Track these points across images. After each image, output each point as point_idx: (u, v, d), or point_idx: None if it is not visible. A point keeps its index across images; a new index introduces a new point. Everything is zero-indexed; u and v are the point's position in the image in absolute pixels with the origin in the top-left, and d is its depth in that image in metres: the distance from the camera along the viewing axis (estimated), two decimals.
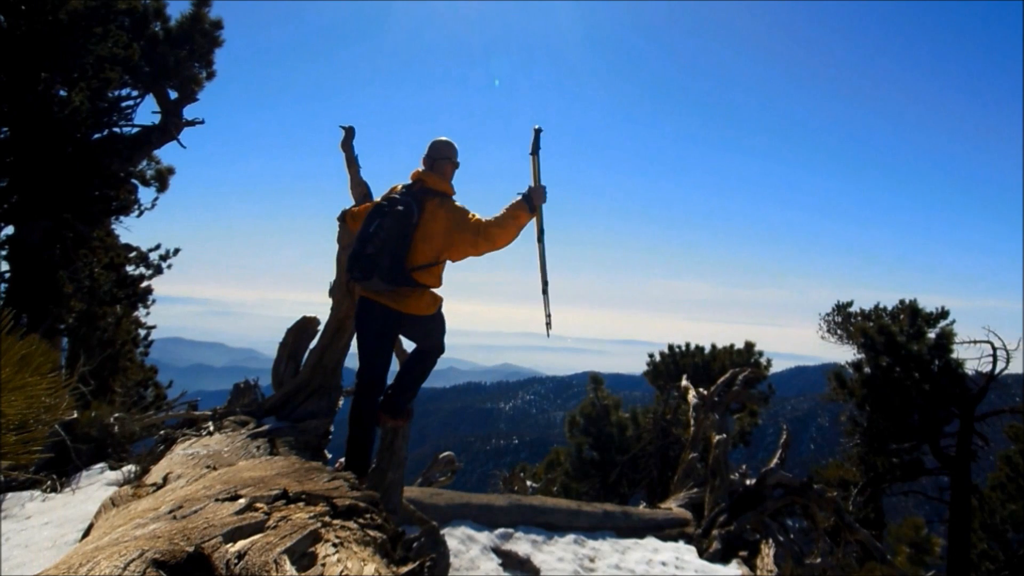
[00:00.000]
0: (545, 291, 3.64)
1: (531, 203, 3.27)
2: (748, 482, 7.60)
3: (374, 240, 3.24)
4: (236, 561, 1.40)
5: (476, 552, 5.01)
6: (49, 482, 3.93)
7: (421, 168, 3.46)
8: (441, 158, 3.44)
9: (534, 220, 3.40)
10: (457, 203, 3.36)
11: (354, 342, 3.71)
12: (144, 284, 10.27)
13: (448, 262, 3.43)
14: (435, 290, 3.45)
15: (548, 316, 3.71)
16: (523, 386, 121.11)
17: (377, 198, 3.64)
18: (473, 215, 3.29)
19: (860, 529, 7.69)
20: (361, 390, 3.48)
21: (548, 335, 3.76)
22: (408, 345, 4.01)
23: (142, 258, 10.35)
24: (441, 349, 3.71)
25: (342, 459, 3.61)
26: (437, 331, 3.60)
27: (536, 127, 3.39)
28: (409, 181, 3.47)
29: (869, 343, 13.22)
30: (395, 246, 3.24)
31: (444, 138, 3.50)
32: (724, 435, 7.91)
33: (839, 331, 14.65)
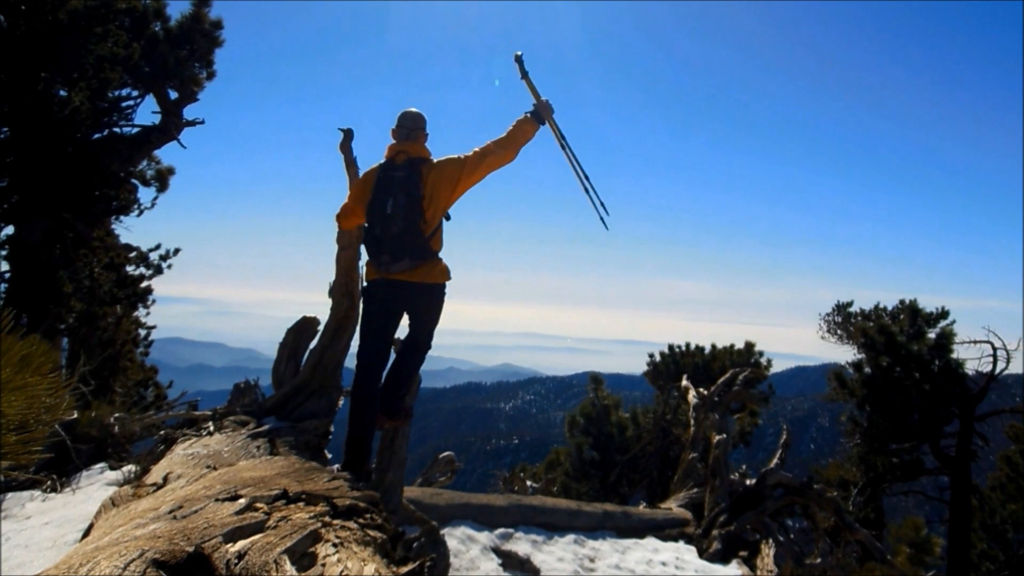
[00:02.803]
0: (587, 189, 3.72)
1: (539, 117, 3.48)
2: (748, 482, 7.60)
3: (396, 220, 3.28)
4: (236, 561, 1.40)
5: (476, 552, 5.01)
6: (49, 482, 3.93)
7: (394, 141, 3.50)
8: (416, 128, 3.52)
9: (551, 133, 3.61)
10: (440, 159, 3.46)
11: (354, 342, 3.71)
12: (144, 284, 10.25)
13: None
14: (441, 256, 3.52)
15: (598, 209, 3.74)
16: (523, 386, 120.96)
17: (344, 201, 3.68)
18: (465, 156, 3.42)
19: (860, 529, 7.69)
20: (365, 376, 3.49)
21: (607, 228, 3.79)
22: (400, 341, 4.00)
23: (142, 258, 10.34)
24: (430, 342, 3.72)
25: (336, 466, 3.60)
26: (438, 307, 3.60)
27: (516, 54, 3.57)
28: (384, 159, 3.49)
29: (869, 343, 13.22)
30: (414, 220, 3.30)
31: (414, 109, 3.56)
32: (724, 435, 7.92)
33: (839, 331, 14.64)
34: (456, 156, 3.43)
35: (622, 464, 13.11)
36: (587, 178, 3.70)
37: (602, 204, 3.72)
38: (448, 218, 3.49)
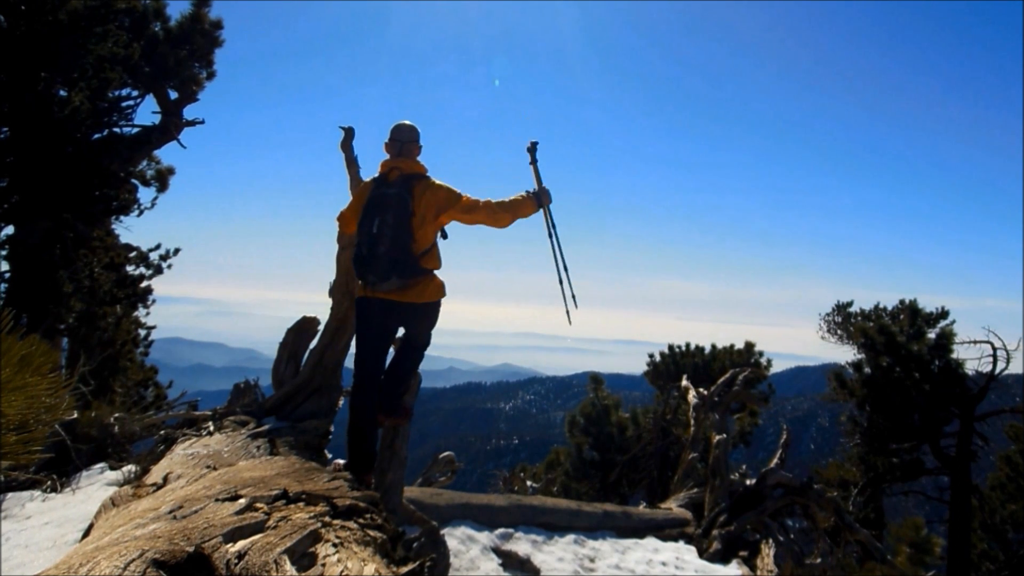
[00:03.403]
0: (562, 280, 3.78)
1: (539, 200, 3.54)
2: (748, 482, 7.60)
3: (382, 239, 3.26)
4: (236, 561, 1.40)
5: (476, 552, 5.01)
6: (49, 482, 3.93)
7: (388, 156, 3.50)
8: (409, 141, 3.50)
9: (543, 219, 3.68)
10: (438, 181, 3.45)
11: (354, 343, 3.71)
12: (144, 284, 10.25)
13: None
14: (437, 272, 3.52)
15: (567, 303, 3.79)
16: (523, 386, 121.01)
17: (343, 208, 3.69)
18: (465, 195, 3.42)
19: (860, 529, 7.69)
20: (362, 385, 3.49)
21: (570, 323, 3.81)
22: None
23: (142, 258, 10.34)
24: (428, 341, 3.75)
25: (339, 460, 3.60)
26: (434, 317, 3.63)
27: (531, 142, 3.69)
28: (378, 174, 3.49)
29: (869, 343, 13.21)
30: (403, 239, 3.28)
31: (407, 121, 3.55)
32: (724, 435, 7.91)
33: (839, 331, 14.64)
34: (455, 189, 3.41)
35: (622, 464, 13.10)
36: (566, 269, 3.78)
37: (573, 296, 3.81)
38: (445, 236, 3.49)
